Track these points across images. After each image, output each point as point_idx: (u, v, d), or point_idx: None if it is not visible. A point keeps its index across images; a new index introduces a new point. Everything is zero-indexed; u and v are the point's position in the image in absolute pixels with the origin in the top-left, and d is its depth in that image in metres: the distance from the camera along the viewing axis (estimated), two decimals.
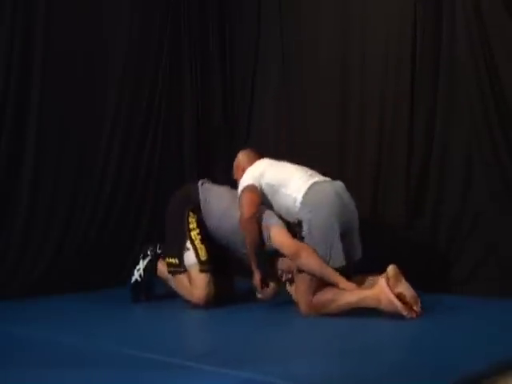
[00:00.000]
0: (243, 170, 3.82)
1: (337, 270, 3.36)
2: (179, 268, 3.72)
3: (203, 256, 3.69)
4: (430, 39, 4.20)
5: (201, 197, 3.82)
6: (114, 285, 4.00)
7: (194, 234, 3.74)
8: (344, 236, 3.43)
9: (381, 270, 3.55)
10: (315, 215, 3.41)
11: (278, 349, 2.78)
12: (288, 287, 3.61)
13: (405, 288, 3.28)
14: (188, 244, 3.71)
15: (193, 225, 3.76)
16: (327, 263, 3.36)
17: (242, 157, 4.01)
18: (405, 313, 3.01)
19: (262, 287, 3.62)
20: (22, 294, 3.90)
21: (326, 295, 3.33)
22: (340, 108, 4.62)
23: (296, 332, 3.15)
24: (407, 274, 3.41)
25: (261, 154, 3.95)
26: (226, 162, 5.03)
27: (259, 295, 3.64)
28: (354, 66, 4.56)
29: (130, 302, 3.85)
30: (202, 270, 3.66)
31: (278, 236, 3.53)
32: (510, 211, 3.87)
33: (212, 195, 3.85)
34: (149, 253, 3.89)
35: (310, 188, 3.50)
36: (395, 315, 3.17)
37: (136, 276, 3.86)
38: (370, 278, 3.40)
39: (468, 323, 3.20)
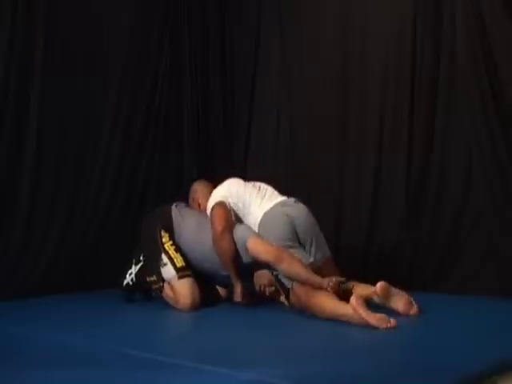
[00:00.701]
0: (199, 205, 3.98)
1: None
2: (159, 283, 3.70)
3: (179, 263, 3.66)
4: (430, 39, 4.20)
5: (174, 220, 3.83)
6: (114, 285, 3.99)
7: (167, 245, 3.73)
8: (306, 241, 3.63)
9: (380, 271, 3.57)
10: (272, 237, 3.59)
11: (278, 349, 2.77)
12: (282, 298, 3.61)
13: (397, 300, 3.28)
14: (164, 257, 3.69)
15: (165, 238, 3.75)
16: None
17: (199, 189, 4.08)
18: (381, 326, 2.99)
19: (243, 299, 3.64)
20: (22, 293, 3.90)
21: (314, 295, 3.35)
22: (340, 108, 4.62)
23: (295, 332, 3.15)
24: (407, 274, 3.41)
25: (215, 186, 4.00)
26: (225, 162, 5.05)
27: (237, 299, 3.67)
28: (353, 66, 4.57)
29: (129, 302, 3.85)
30: (180, 277, 3.62)
31: (255, 245, 3.56)
32: (510, 211, 3.87)
33: (185, 219, 3.84)
34: (141, 258, 3.86)
35: (262, 218, 3.70)
36: (394, 316, 3.18)
37: (128, 280, 3.86)
38: (364, 286, 3.40)
39: (468, 323, 3.20)
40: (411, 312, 3.27)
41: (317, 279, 3.32)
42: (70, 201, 4.32)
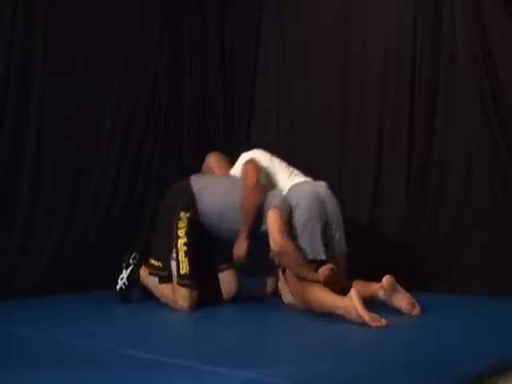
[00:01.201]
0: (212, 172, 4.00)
1: (321, 263, 3.40)
2: (162, 272, 3.67)
3: (183, 269, 3.58)
4: (430, 39, 4.20)
5: (194, 188, 3.75)
6: (114, 285, 3.98)
7: (180, 243, 3.62)
8: (325, 231, 3.56)
9: (381, 271, 3.56)
10: (296, 211, 3.54)
11: (278, 349, 2.77)
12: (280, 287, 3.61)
13: (400, 298, 3.30)
14: (173, 254, 3.63)
15: (181, 231, 3.63)
16: (308, 255, 3.44)
17: (213, 160, 4.09)
18: (372, 324, 3.01)
19: (239, 259, 3.58)
20: (22, 293, 3.90)
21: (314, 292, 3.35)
22: (340, 108, 4.63)
23: (295, 332, 3.15)
24: (407, 274, 3.42)
25: (231, 159, 4.01)
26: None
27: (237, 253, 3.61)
28: (354, 66, 4.57)
29: (129, 302, 3.86)
30: (179, 284, 3.58)
31: (270, 221, 3.49)
32: (510, 211, 3.87)
33: (207, 182, 3.83)
34: (131, 261, 3.86)
35: (291, 187, 3.68)
36: (396, 315, 3.18)
37: (120, 284, 3.84)
38: (367, 284, 3.41)
39: (468, 323, 3.20)
40: (414, 312, 3.28)
41: (313, 277, 3.32)
42: (69, 201, 4.32)
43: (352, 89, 4.58)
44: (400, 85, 4.32)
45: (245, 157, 3.86)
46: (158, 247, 3.77)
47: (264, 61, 5.08)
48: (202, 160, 5.05)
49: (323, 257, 3.47)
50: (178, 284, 3.58)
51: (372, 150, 4.45)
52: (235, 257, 3.62)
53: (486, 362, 2.43)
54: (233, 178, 3.86)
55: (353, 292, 3.08)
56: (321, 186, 3.71)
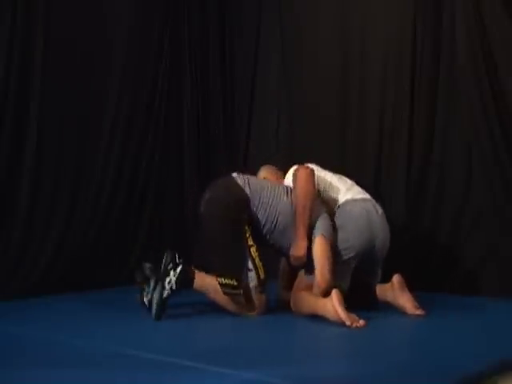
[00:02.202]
0: None
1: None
2: (237, 290, 3.35)
3: (263, 274, 3.38)
4: (430, 39, 4.20)
5: (246, 189, 3.43)
6: (114, 285, 3.99)
7: (253, 250, 3.38)
8: (364, 261, 3.44)
9: (380, 271, 3.56)
10: (340, 233, 3.43)
11: (279, 349, 2.77)
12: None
13: (406, 299, 3.32)
14: (250, 264, 3.37)
15: (250, 240, 3.39)
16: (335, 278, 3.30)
17: (266, 173, 3.85)
18: (351, 324, 3.02)
19: (299, 260, 3.35)
20: (22, 293, 3.90)
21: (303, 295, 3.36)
22: (340, 108, 4.62)
23: (296, 333, 3.15)
24: (407, 274, 3.41)
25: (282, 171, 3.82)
26: (226, 162, 5.05)
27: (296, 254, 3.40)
28: (354, 66, 4.57)
29: (129, 302, 3.83)
30: (261, 292, 3.39)
31: (319, 252, 3.33)
32: (510, 211, 3.87)
33: (255, 182, 3.53)
34: (178, 261, 3.38)
35: (346, 203, 3.51)
36: (395, 315, 3.19)
37: (167, 290, 3.30)
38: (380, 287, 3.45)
39: (468, 323, 3.20)
40: (417, 312, 3.30)
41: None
42: (69, 201, 4.32)
43: (352, 89, 4.58)
44: (400, 85, 4.32)
45: (295, 166, 3.60)
46: (228, 263, 3.39)
47: (264, 61, 5.07)
48: (202, 160, 5.09)
49: (345, 290, 3.30)
50: (260, 292, 3.38)
51: (372, 150, 4.45)
52: (293, 258, 3.38)
53: (485, 362, 2.44)
54: (286, 186, 3.58)
55: (333, 293, 3.09)
56: (378, 214, 3.50)
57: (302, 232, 3.35)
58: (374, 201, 3.58)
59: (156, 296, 3.29)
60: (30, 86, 4.11)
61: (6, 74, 4.00)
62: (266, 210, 3.43)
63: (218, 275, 3.37)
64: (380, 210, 3.54)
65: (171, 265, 3.36)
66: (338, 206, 3.54)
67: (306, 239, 3.35)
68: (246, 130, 5.12)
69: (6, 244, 4.00)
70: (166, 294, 3.30)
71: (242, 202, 3.41)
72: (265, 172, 3.88)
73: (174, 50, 5.02)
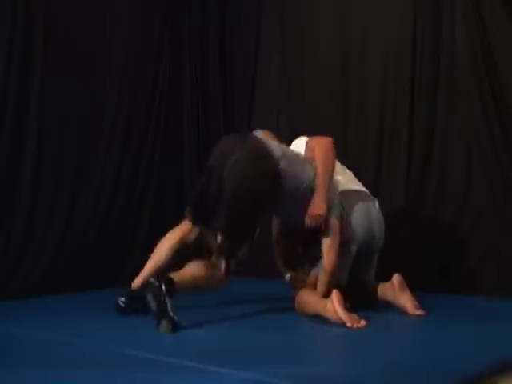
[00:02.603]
0: None
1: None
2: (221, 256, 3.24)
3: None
4: (430, 39, 4.20)
5: (274, 152, 3.25)
6: (114, 285, 3.98)
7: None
8: (361, 254, 3.47)
9: (380, 271, 3.56)
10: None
11: (278, 349, 2.77)
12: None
13: (406, 299, 3.32)
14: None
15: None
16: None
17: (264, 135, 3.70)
18: (351, 325, 3.02)
19: (318, 218, 3.24)
20: (22, 293, 3.90)
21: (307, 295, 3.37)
22: (340, 108, 4.62)
23: (296, 333, 3.15)
24: (407, 274, 3.41)
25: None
26: None
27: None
28: (354, 66, 4.57)
29: None
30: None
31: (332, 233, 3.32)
32: (510, 211, 3.87)
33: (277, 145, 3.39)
34: (162, 288, 3.02)
35: (345, 193, 3.51)
36: (395, 315, 3.18)
37: (172, 315, 3.01)
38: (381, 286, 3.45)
39: (468, 323, 3.19)
40: (418, 312, 3.29)
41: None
42: (69, 201, 4.33)
43: (352, 89, 4.58)
44: (400, 85, 4.32)
45: (304, 137, 3.58)
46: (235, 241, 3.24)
47: (264, 61, 5.08)
48: (202, 160, 5.08)
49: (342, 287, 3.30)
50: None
51: (372, 150, 4.45)
52: (312, 218, 3.25)
53: (485, 362, 2.43)
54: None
55: (333, 294, 3.10)
56: (375, 207, 3.56)
57: (323, 194, 3.27)
58: (368, 192, 3.63)
59: (169, 326, 3.02)
60: (30, 86, 4.12)
61: (6, 74, 4.00)
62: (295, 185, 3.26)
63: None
64: (376, 204, 3.58)
65: (162, 297, 3.02)
66: (342, 192, 3.54)
67: (326, 202, 3.27)
68: (245, 130, 5.11)
69: (5, 244, 4.00)
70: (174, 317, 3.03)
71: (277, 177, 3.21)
72: (264, 136, 3.72)
73: (174, 50, 5.02)
